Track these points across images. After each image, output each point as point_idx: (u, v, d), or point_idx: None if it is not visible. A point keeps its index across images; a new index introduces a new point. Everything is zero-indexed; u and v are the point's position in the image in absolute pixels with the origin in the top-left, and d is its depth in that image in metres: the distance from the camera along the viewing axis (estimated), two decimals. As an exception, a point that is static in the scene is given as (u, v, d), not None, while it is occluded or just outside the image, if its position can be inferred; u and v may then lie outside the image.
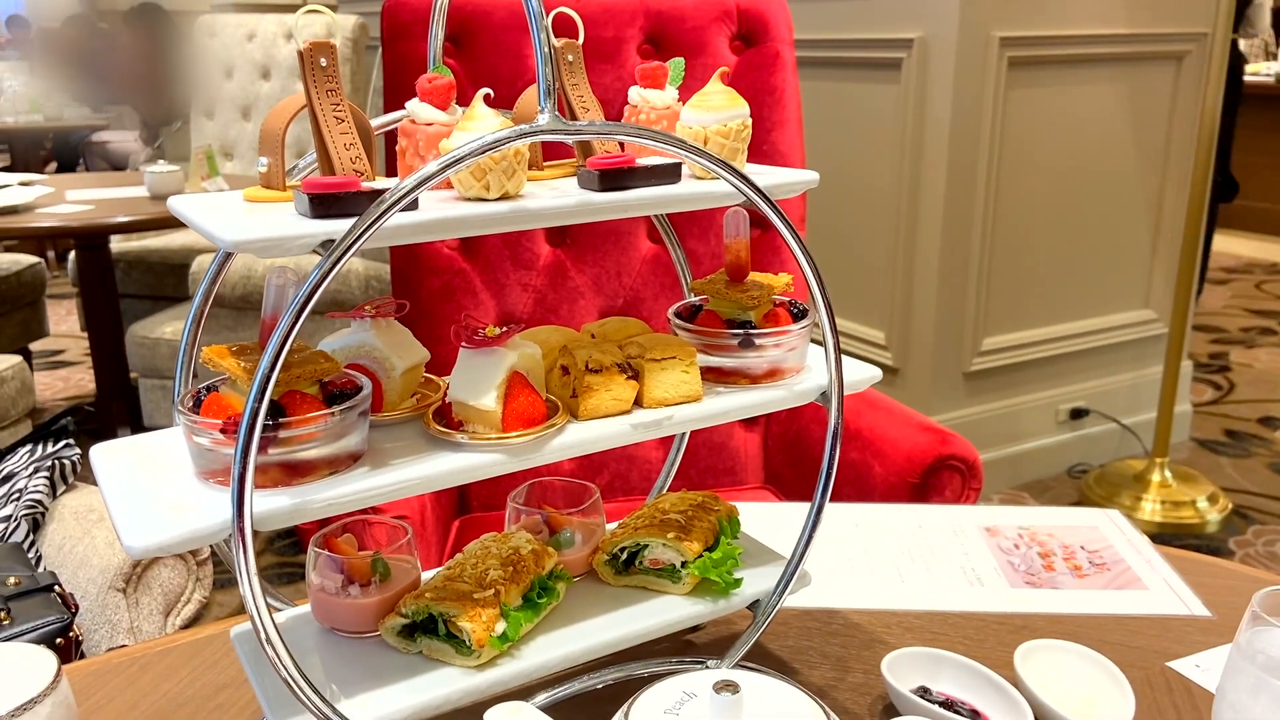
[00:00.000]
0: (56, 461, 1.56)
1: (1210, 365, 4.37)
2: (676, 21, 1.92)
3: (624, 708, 0.68)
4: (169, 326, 3.24)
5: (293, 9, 5.50)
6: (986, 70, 2.83)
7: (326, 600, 0.79)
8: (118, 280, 3.48)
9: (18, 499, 1.49)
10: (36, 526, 1.49)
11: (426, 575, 0.83)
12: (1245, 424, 3.76)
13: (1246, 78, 6.55)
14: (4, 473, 1.55)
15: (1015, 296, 3.11)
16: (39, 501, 1.50)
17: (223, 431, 0.65)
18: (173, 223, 3.43)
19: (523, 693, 0.76)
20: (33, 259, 3.97)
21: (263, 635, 0.63)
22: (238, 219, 0.65)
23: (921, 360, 3.02)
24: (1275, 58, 7.28)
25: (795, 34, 1.92)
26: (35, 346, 4.36)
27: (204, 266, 2.99)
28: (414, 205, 0.66)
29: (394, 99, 1.77)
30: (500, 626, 0.76)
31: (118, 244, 3.70)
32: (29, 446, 1.60)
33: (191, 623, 1.56)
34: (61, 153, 6.96)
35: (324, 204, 0.64)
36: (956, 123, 2.84)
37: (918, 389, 3.02)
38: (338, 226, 0.62)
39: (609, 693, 0.83)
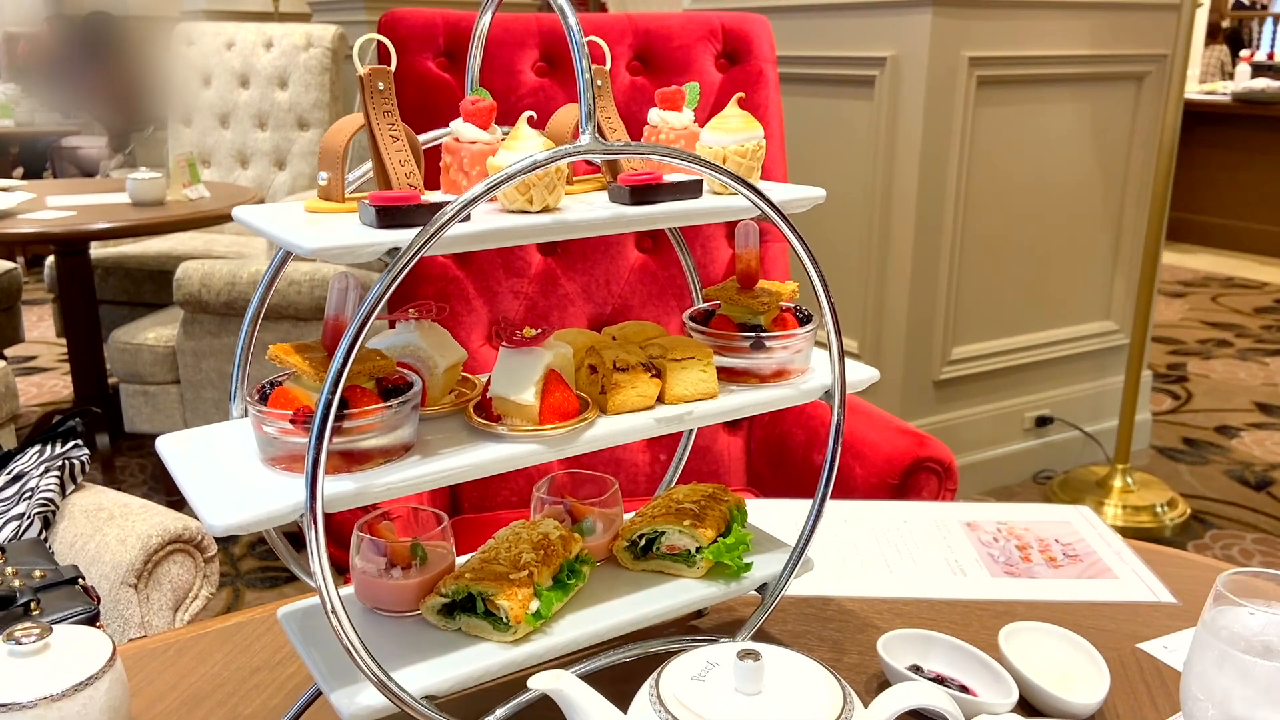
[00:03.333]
0: (66, 461, 1.60)
1: (1169, 375, 4.50)
2: (664, 40, 1.99)
3: (654, 676, 0.74)
4: (151, 332, 3.26)
5: (265, 17, 5.53)
6: (956, 89, 2.93)
7: (370, 582, 0.85)
8: (95, 286, 3.50)
9: (29, 498, 1.53)
10: (48, 525, 1.54)
11: (460, 560, 0.89)
12: (1203, 432, 3.88)
13: (1204, 96, 6.74)
14: (14, 472, 1.59)
15: (983, 307, 3.21)
16: (50, 500, 1.54)
17: (292, 422, 0.72)
18: (153, 229, 3.46)
19: (553, 667, 0.82)
20: (9, 265, 3.97)
21: (329, 606, 0.69)
22: (310, 228, 0.72)
23: (893, 368, 3.11)
24: (1232, 77, 7.49)
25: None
26: (9, 353, 4.36)
27: (189, 273, 3.02)
28: (467, 217, 0.72)
29: (392, 112, 1.82)
30: (534, 605, 0.82)
31: (94, 250, 3.72)
32: (38, 447, 1.64)
33: (196, 619, 1.61)
34: (28, 158, 6.92)
35: (389, 215, 0.70)
36: (927, 139, 2.94)
37: (890, 396, 3.10)
38: (403, 236, 0.69)
39: (630, 668, 0.89)
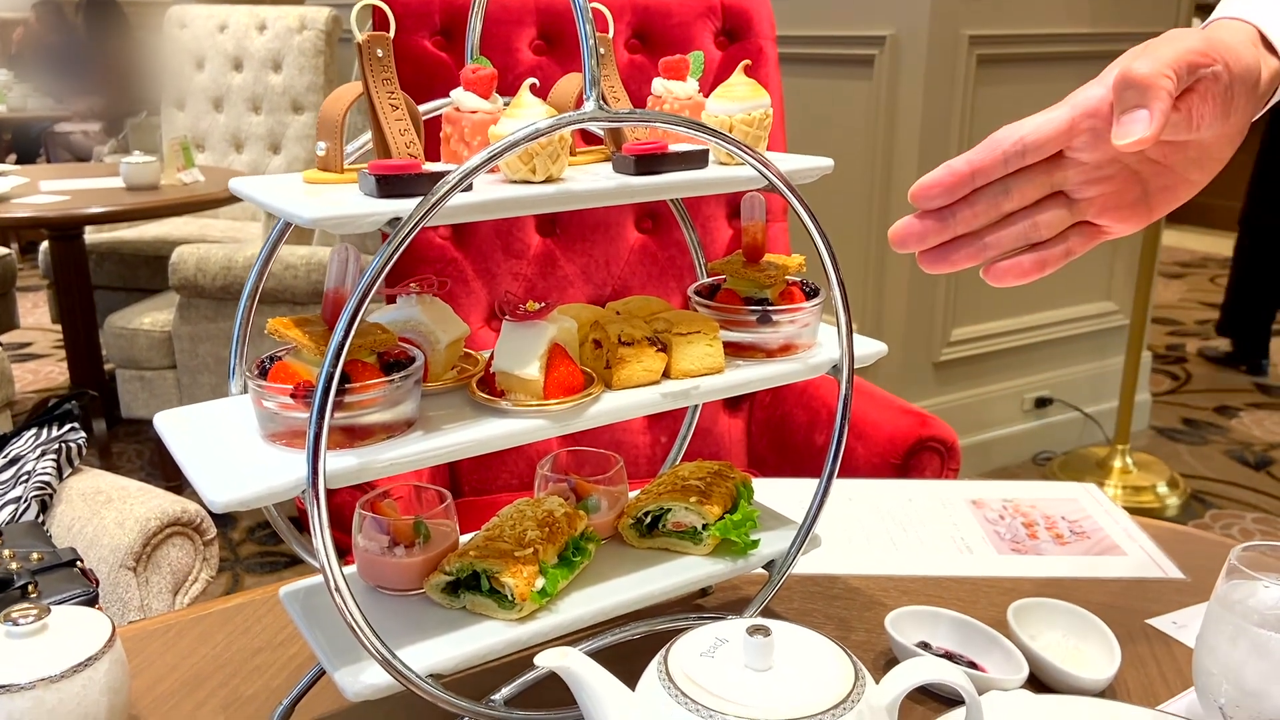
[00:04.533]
0: (63, 444, 1.59)
1: (1167, 356, 4.50)
2: (662, 17, 1.97)
3: (662, 652, 0.73)
4: (147, 317, 3.24)
5: (258, 0, 5.49)
6: (956, 67, 2.91)
7: (373, 560, 0.84)
8: (90, 271, 3.48)
9: (26, 481, 1.52)
10: (45, 508, 1.52)
11: (463, 539, 0.88)
12: (1202, 413, 3.88)
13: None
14: (10, 455, 1.57)
15: (983, 288, 3.19)
16: (47, 483, 1.53)
17: (292, 396, 0.70)
18: (148, 214, 3.44)
19: (558, 645, 0.81)
20: (3, 250, 3.94)
21: (332, 583, 0.68)
22: (309, 199, 0.70)
23: (893, 350, 3.10)
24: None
25: (773, 30, 1.98)
26: (4, 339, 4.33)
27: (184, 258, 3.00)
28: (469, 187, 0.71)
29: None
30: (540, 582, 0.81)
31: (89, 235, 3.69)
32: (34, 430, 1.62)
33: (196, 602, 1.60)
34: (21, 144, 6.88)
35: (390, 185, 0.69)
36: (927, 118, 2.92)
37: (889, 378, 3.10)
38: (404, 205, 0.67)
39: (636, 646, 0.88)
